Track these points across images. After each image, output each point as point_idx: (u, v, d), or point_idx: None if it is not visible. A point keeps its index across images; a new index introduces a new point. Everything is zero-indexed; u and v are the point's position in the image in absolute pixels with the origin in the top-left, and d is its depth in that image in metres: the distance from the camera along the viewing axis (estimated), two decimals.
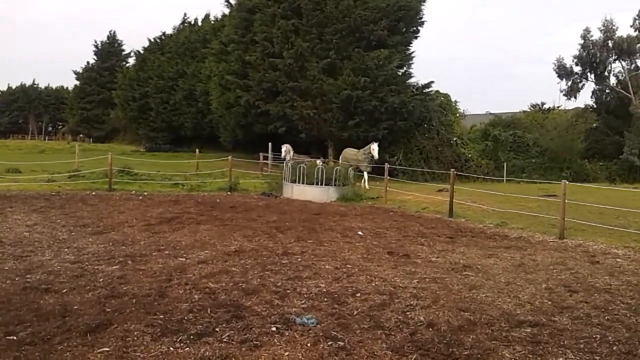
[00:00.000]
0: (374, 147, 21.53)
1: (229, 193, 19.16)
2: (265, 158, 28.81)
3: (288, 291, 6.74)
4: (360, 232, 11.62)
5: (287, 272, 7.72)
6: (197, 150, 29.57)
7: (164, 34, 59.48)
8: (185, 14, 65.80)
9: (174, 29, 59.01)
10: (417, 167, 29.09)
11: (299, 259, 8.63)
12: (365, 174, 21.51)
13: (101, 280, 6.96)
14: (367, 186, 21.08)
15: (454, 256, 9.37)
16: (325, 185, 18.43)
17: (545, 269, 8.52)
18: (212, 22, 50.84)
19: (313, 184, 18.39)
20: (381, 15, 27.85)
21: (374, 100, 27.02)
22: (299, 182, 18.60)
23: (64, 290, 6.43)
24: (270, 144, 29.61)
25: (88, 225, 11.10)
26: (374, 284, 7.23)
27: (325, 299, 6.43)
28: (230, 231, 11.05)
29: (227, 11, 40.09)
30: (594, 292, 7.18)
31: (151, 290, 6.55)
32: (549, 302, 6.66)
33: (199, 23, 56.09)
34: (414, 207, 16.75)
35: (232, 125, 35.61)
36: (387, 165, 18.83)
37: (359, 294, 6.69)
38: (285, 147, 23.26)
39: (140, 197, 16.44)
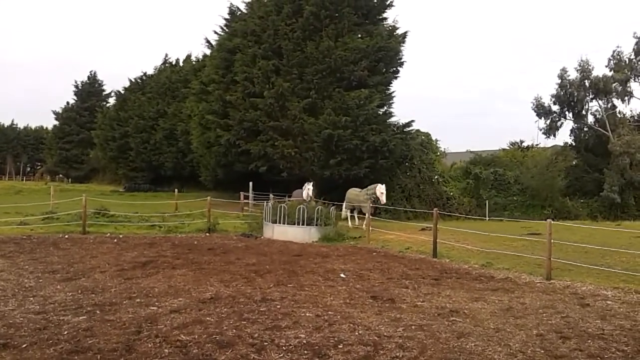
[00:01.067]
0: (382, 191, 19.94)
1: (207, 234, 18.68)
2: (246, 197, 28.44)
3: (265, 343, 6.33)
4: (342, 275, 11.24)
5: (265, 321, 7.30)
6: (176, 190, 29.11)
7: (144, 74, 59.78)
8: (166, 55, 66.47)
9: (155, 69, 59.36)
10: (399, 205, 28.90)
11: (278, 306, 8.22)
12: (368, 215, 19.43)
13: (65, 333, 6.49)
14: (362, 226, 20.29)
15: (440, 300, 9.03)
16: (306, 225, 18.07)
17: (534, 313, 8.21)
18: (193, 62, 51.17)
19: (294, 224, 18.02)
20: (361, 56, 28.08)
21: (355, 139, 26.98)
22: (280, 222, 18.22)
23: (24, 345, 5.97)
24: (251, 183, 29.33)
25: (57, 271, 10.57)
26: (357, 333, 6.84)
27: (306, 352, 6.03)
28: (207, 276, 10.60)
29: (208, 52, 40.35)
30: (587, 338, 6.88)
31: (118, 344, 6.10)
32: (542, 351, 6.33)
33: (180, 63, 56.42)
34: (397, 247, 16.42)
35: (212, 165, 35.36)
36: (369, 204, 18.56)
37: (341, 345, 6.30)
38: (307, 186, 21.20)
39: (115, 240, 15.90)
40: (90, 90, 79.09)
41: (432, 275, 11.52)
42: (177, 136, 47.04)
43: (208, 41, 38.62)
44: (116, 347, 5.97)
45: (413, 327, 7.25)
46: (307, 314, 7.75)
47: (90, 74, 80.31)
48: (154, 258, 12.64)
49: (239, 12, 34.47)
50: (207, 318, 7.40)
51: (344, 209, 22.54)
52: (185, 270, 11.14)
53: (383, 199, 19.88)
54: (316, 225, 18.21)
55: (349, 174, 27.48)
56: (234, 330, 6.82)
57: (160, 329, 6.81)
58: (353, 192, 22.32)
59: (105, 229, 18.31)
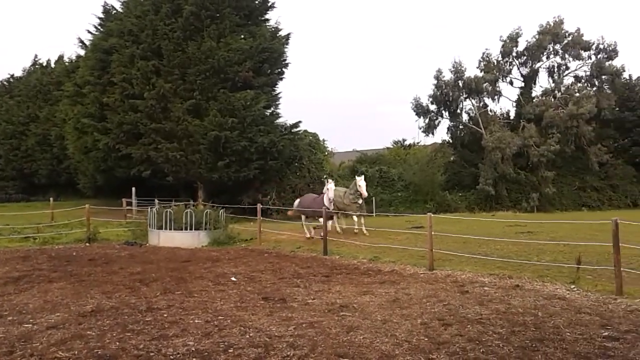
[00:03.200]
0: (360, 184, 17.84)
1: (87, 244, 17.54)
2: (129, 204, 27.12)
3: (152, 354, 5.96)
4: (233, 278, 10.97)
5: (151, 331, 6.89)
6: (51, 199, 27.14)
7: (12, 76, 55.42)
8: (36, 55, 61.89)
9: (23, 71, 55.17)
10: (290, 205, 28.92)
11: (165, 315, 7.81)
12: (361, 219, 17.94)
13: None
14: (365, 231, 18.14)
15: (331, 296, 9.05)
16: (195, 229, 17.53)
17: (419, 303, 8.46)
18: (66, 63, 48.09)
19: (182, 229, 17.41)
20: (245, 57, 27.83)
21: (243, 141, 26.69)
22: (166, 228, 17.52)
23: None
24: (133, 188, 28.03)
25: None
26: (248, 336, 6.64)
27: (194, 359, 5.74)
28: (87, 288, 9.88)
29: (81, 52, 38.19)
30: (467, 324, 7.17)
31: None
32: (426, 339, 6.52)
33: (52, 64, 52.77)
34: (289, 247, 16.38)
35: (91, 171, 33.50)
36: (259, 206, 18.37)
37: (231, 350, 6.08)
38: (329, 187, 18.14)
39: None
40: None
41: (323, 273, 11.57)
42: (51, 142, 44.05)
43: (82, 41, 36.67)
44: None
45: (304, 325, 7.18)
46: (196, 321, 7.44)
47: None
48: (28, 272, 11.61)
49: (114, 11, 32.93)
50: (88, 332, 6.87)
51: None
52: (63, 284, 10.34)
53: (364, 192, 17.95)
54: (205, 229, 17.71)
55: (239, 176, 27.13)
56: (118, 343, 6.37)
57: (36, 347, 6.21)
58: (337, 193, 18.64)
59: None
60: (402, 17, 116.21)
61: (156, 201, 23.39)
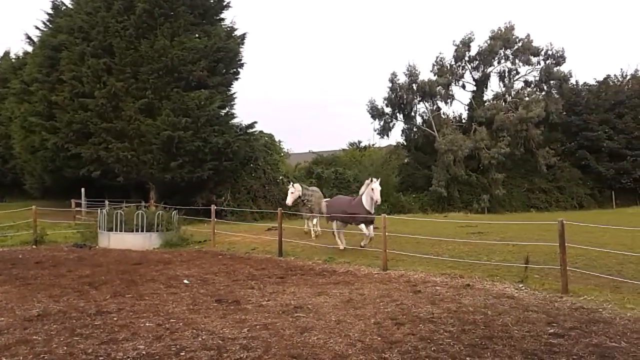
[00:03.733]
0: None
1: (34, 247, 16.98)
2: (78, 205, 26.37)
3: (101, 358, 5.85)
4: (186, 280, 10.82)
5: (100, 335, 6.73)
6: None
7: None
8: None
9: None
10: (245, 207, 28.77)
11: (115, 318, 7.64)
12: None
13: None
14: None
15: (285, 297, 9.04)
16: (147, 231, 17.19)
17: (372, 303, 8.55)
18: (12, 60, 46.27)
19: (133, 231, 17.04)
20: (199, 56, 27.44)
21: (197, 141, 26.30)
22: (116, 230, 17.12)
23: None
24: (83, 189, 27.27)
25: None
26: (200, 339, 6.56)
27: None
28: (33, 292, 9.58)
29: (29, 48, 36.77)
30: (419, 323, 7.29)
31: None
32: (379, 338, 6.60)
33: None
34: (243, 249, 16.28)
35: (38, 171, 32.33)
36: (213, 207, 18.18)
37: (183, 353, 6.00)
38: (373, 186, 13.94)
39: None
40: None
41: (278, 274, 11.56)
42: None
43: (29, 37, 35.20)
44: None
45: (258, 326, 7.15)
46: (147, 324, 7.30)
47: None
48: None
49: (64, 7, 31.83)
50: (34, 337, 6.66)
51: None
52: (7, 287, 10.00)
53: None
54: (157, 231, 17.40)
55: (192, 177, 26.71)
56: (65, 348, 6.21)
57: None
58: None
59: None
60: (358, 19, 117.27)
61: (106, 202, 22.83)
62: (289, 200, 17.77)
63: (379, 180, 14.02)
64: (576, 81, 45.87)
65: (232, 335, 6.71)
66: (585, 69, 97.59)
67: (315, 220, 18.23)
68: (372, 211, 14.13)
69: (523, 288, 9.61)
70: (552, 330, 6.87)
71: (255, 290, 9.81)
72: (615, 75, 46.39)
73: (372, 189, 13.76)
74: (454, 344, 6.33)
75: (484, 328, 7.01)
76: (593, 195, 42.74)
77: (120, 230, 17.09)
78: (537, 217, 33.17)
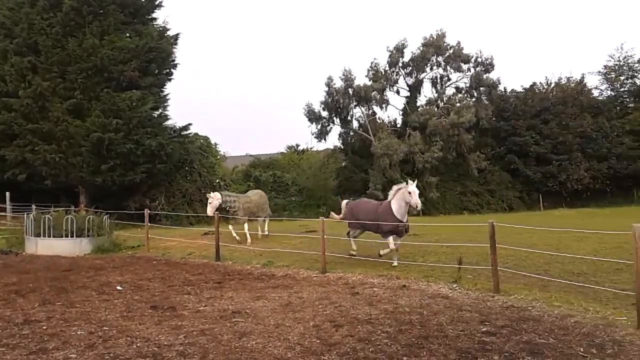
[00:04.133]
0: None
1: None
2: (3, 210, 25.08)
3: None
4: (119, 287, 10.48)
5: (28, 345, 6.42)
6: None
7: None
8: None
9: None
10: (180, 210, 28.19)
11: (45, 327, 7.30)
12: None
13: None
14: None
15: (223, 302, 8.92)
16: (77, 236, 16.53)
17: (311, 306, 8.57)
18: None
19: (62, 236, 16.35)
20: (131, 56, 26.72)
21: (129, 143, 25.56)
22: (44, 236, 16.38)
23: None
24: (8, 193, 25.96)
25: None
26: (135, 347, 6.37)
27: None
28: None
29: None
30: (357, 324, 7.36)
31: None
32: (318, 341, 6.62)
33: None
34: (179, 254, 15.94)
35: None
36: (147, 211, 17.70)
37: None
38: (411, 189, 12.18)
39: None
40: None
41: (215, 279, 11.39)
42: None
43: None
44: None
45: (195, 332, 7.02)
46: (79, 332, 7.01)
47: None
48: None
49: None
50: None
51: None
52: None
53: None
54: (88, 236, 16.79)
55: (124, 180, 25.95)
56: None
57: None
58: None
59: None
60: (295, 22, 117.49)
61: (33, 207, 21.82)
62: (209, 211, 17.22)
63: (415, 182, 12.36)
64: (504, 88, 47.63)
65: (168, 342, 6.55)
66: (512, 77, 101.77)
67: (245, 226, 17.70)
68: (405, 220, 12.43)
69: (457, 288, 9.88)
70: (484, 329, 7.08)
71: (191, 295, 9.62)
72: (540, 82, 48.47)
73: (410, 192, 11.93)
74: (391, 344, 6.43)
75: (420, 328, 7.15)
76: (522, 198, 44.41)
77: (49, 236, 16.38)
78: (469, 219, 34.18)
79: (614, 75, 49.00)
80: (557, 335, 6.71)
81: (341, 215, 14.82)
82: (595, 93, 48.99)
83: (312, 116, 45.21)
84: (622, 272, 10.36)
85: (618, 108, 47.45)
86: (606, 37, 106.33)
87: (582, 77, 48.25)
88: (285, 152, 50.10)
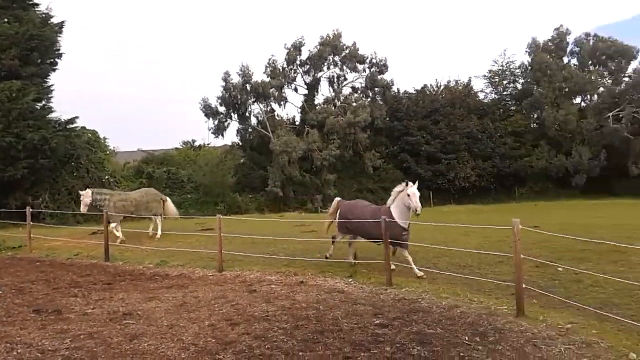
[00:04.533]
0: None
1: None
2: None
3: None
4: None
5: None
6: None
7: None
8: None
9: None
10: (66, 209, 26.58)
11: None
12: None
13: None
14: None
15: (113, 305, 8.54)
16: None
17: (207, 305, 8.42)
18: None
19: None
20: (10, 44, 24.92)
21: (9, 137, 23.80)
22: None
23: None
24: None
25: None
26: (16, 353, 5.97)
27: None
28: None
29: None
30: (254, 322, 7.34)
31: None
32: (213, 340, 6.54)
33: None
34: (65, 254, 15.05)
35: None
36: (29, 209, 16.54)
37: None
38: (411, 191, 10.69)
39: None
40: None
41: (105, 281, 10.89)
42: None
43: None
44: None
45: (82, 336, 6.68)
46: None
47: None
48: None
49: None
50: None
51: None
52: None
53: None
54: None
55: (4, 177, 24.12)
56: None
57: None
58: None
59: None
60: (190, 15, 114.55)
61: None
62: (82, 208, 16.99)
63: (416, 184, 10.89)
64: (398, 89, 49.59)
65: (52, 347, 6.19)
66: (405, 78, 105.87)
67: (114, 224, 16.71)
68: (406, 227, 10.90)
69: (352, 283, 10.11)
70: (378, 321, 7.31)
71: (79, 298, 9.14)
72: (431, 85, 51.02)
73: (409, 195, 10.57)
74: (287, 341, 6.46)
75: (316, 323, 7.25)
76: None
77: None
78: None
79: (497, 80, 52.46)
80: (444, 326, 7.05)
81: (331, 211, 12.84)
82: (481, 96, 52.33)
83: (209, 111, 44.55)
84: (504, 264, 11.07)
85: (501, 110, 50.90)
86: (491, 43, 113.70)
87: (470, 81, 51.37)
88: (181, 147, 48.85)
